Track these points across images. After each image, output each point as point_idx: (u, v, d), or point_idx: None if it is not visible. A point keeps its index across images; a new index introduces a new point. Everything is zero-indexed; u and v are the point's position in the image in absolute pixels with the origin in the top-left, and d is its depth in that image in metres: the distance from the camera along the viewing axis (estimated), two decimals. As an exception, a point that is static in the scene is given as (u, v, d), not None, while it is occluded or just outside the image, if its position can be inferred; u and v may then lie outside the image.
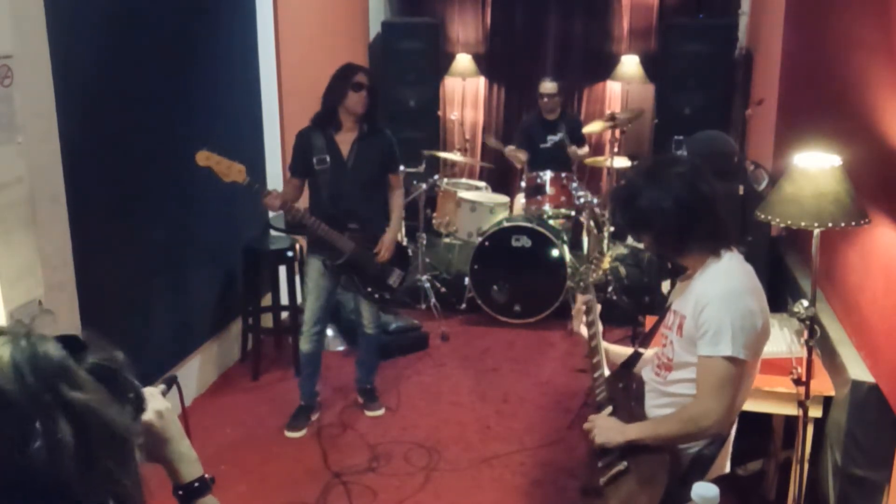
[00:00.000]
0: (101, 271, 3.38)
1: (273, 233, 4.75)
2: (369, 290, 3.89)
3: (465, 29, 7.11)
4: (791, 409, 2.78)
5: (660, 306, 3.18)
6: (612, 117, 5.41)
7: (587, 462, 2.46)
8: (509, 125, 6.42)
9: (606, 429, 2.29)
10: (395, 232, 3.92)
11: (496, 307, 5.19)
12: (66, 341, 0.94)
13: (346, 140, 3.76)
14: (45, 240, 2.94)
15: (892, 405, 2.57)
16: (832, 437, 2.91)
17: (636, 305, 4.88)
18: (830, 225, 2.43)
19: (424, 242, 5.43)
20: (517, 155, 5.82)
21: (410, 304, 5.27)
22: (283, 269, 4.67)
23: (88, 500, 0.86)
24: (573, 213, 5.50)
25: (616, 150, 5.73)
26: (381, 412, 4.11)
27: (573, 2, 6.82)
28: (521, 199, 5.63)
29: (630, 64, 6.63)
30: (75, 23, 3.16)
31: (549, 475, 3.59)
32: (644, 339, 2.63)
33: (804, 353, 2.58)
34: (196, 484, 1.25)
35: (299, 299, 4.54)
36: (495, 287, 5.16)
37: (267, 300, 4.82)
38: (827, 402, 2.88)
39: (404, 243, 5.02)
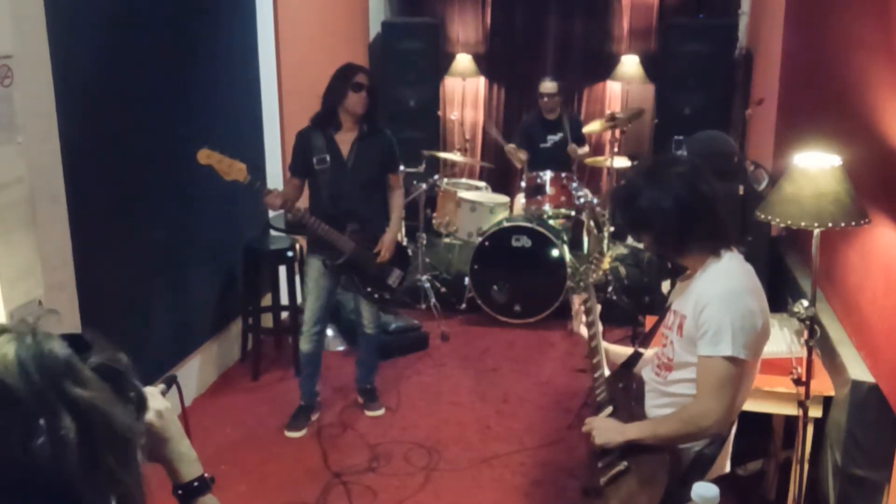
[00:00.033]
0: (101, 271, 3.38)
1: (273, 233, 4.75)
2: (369, 289, 3.90)
3: (465, 29, 7.11)
4: (791, 409, 2.78)
5: (660, 306, 3.18)
6: (612, 117, 5.41)
7: (587, 462, 2.46)
8: (509, 125, 6.42)
9: (606, 429, 2.29)
10: (395, 232, 3.92)
11: (496, 307, 5.19)
12: (72, 340, 0.94)
13: (345, 140, 3.76)
14: (45, 240, 2.94)
15: (892, 405, 2.57)
16: (832, 437, 2.91)
17: (636, 305, 4.88)
18: (830, 225, 2.43)
19: (424, 242, 5.43)
20: (517, 154, 5.82)
21: (410, 304, 5.27)
22: (283, 269, 4.67)
23: (91, 499, 0.86)
24: (573, 213, 5.50)
25: (616, 150, 5.73)
26: (381, 412, 4.11)
27: (573, 2, 6.82)
28: (521, 199, 5.63)
29: (630, 64, 6.63)
30: (75, 23, 3.16)
31: (549, 475, 3.59)
32: (644, 339, 2.63)
33: (804, 353, 2.58)
34: (196, 483, 1.25)
35: (299, 299, 4.54)
36: (495, 287, 5.16)
37: (267, 300, 4.83)
38: (827, 402, 2.88)
39: (404, 243, 5.03)
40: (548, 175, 5.42)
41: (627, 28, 6.79)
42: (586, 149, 5.96)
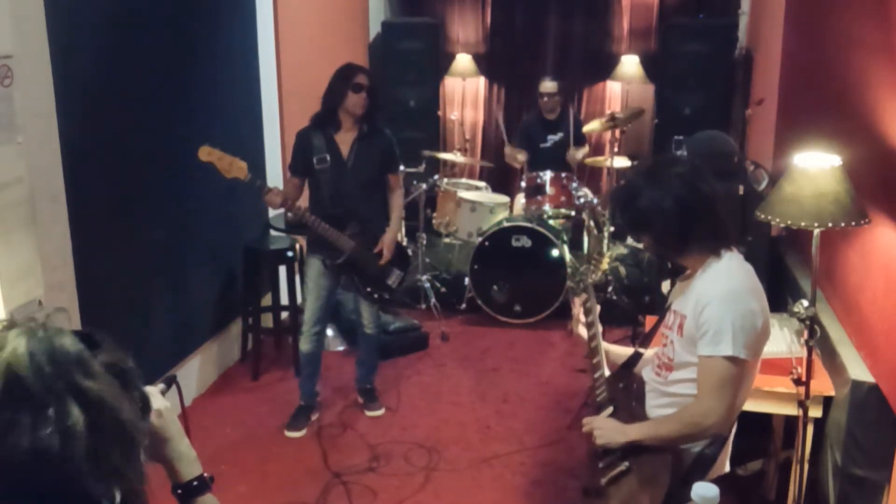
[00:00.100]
0: (101, 271, 3.38)
1: (273, 233, 4.75)
2: (369, 289, 3.90)
3: (465, 29, 7.11)
4: (791, 409, 2.78)
5: (660, 306, 3.18)
6: (612, 117, 5.41)
7: (588, 462, 2.46)
8: (509, 125, 6.42)
9: (607, 429, 2.29)
10: (395, 232, 3.92)
11: (496, 307, 5.19)
12: (82, 337, 0.95)
13: (345, 140, 3.76)
14: (45, 240, 2.94)
15: (892, 405, 2.57)
16: (832, 437, 2.91)
17: (636, 305, 4.88)
18: (830, 225, 2.43)
19: (424, 242, 5.43)
20: (515, 155, 5.82)
21: (410, 304, 5.27)
22: (283, 269, 4.67)
23: (97, 492, 0.87)
24: (573, 213, 5.49)
25: (616, 150, 5.73)
26: (381, 412, 4.11)
27: (573, 2, 6.82)
28: (521, 199, 5.63)
29: (630, 64, 6.63)
30: (75, 23, 3.16)
31: (549, 475, 3.59)
32: (644, 340, 2.63)
33: (804, 353, 2.58)
34: (195, 483, 1.25)
35: (299, 299, 4.54)
36: (495, 287, 5.16)
37: (267, 300, 4.82)
38: (827, 402, 2.88)
39: (404, 243, 5.03)
40: (548, 175, 5.41)
41: (627, 28, 6.79)
42: (586, 149, 5.96)
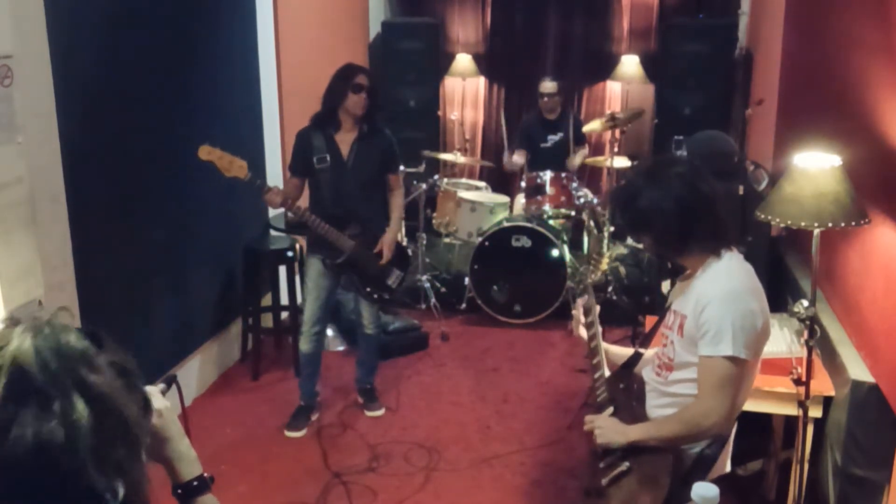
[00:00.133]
0: (101, 271, 3.38)
1: (273, 233, 4.76)
2: (368, 290, 3.90)
3: (465, 29, 7.11)
4: (791, 409, 2.78)
5: (660, 306, 3.18)
6: (612, 117, 5.41)
7: (589, 462, 2.46)
8: (509, 125, 6.42)
9: (608, 430, 2.29)
10: (395, 232, 3.92)
11: (496, 307, 5.19)
12: (87, 334, 0.96)
13: (345, 140, 3.76)
14: (45, 240, 2.94)
15: (892, 405, 2.57)
16: (832, 437, 2.91)
17: (636, 305, 4.88)
18: (830, 225, 2.43)
19: (424, 242, 5.43)
20: (514, 161, 5.80)
21: (410, 304, 5.27)
22: (283, 269, 4.67)
23: (101, 486, 0.87)
24: (573, 213, 5.49)
25: (616, 150, 5.73)
26: (381, 412, 4.11)
27: (573, 2, 6.82)
28: (521, 199, 5.63)
29: (630, 64, 6.63)
30: (75, 23, 3.16)
31: (549, 475, 3.59)
32: (644, 340, 2.63)
33: (804, 353, 2.58)
34: (195, 483, 1.25)
35: (299, 299, 4.54)
36: (495, 287, 5.16)
37: (267, 300, 4.82)
38: (827, 402, 2.88)
39: (404, 243, 5.03)
40: (548, 175, 5.41)
41: (627, 28, 6.79)
42: (585, 151, 5.96)
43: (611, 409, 2.37)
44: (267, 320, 4.79)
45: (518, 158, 5.82)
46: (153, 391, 1.24)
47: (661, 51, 6.51)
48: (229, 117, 4.47)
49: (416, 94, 6.58)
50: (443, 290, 5.38)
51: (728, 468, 2.41)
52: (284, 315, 4.84)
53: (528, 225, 5.12)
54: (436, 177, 5.64)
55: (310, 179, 3.79)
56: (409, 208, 5.00)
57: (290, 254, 4.52)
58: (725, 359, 2.14)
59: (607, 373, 2.49)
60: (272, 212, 4.62)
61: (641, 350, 2.55)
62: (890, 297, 2.62)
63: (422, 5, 7.05)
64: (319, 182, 3.74)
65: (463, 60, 6.96)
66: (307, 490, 3.46)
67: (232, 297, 4.60)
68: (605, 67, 6.82)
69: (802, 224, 2.48)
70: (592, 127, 5.72)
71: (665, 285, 4.29)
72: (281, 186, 3.80)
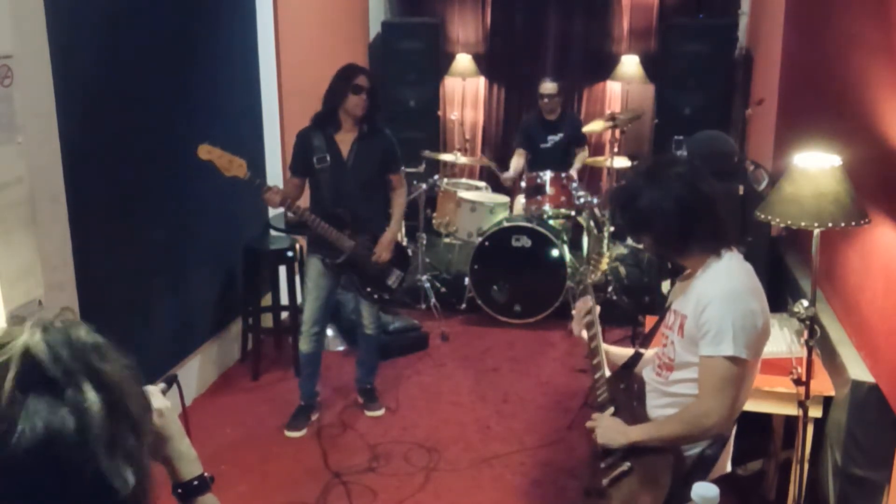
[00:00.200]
0: (101, 271, 3.38)
1: (273, 233, 4.76)
2: (369, 290, 3.90)
3: (465, 29, 7.11)
4: (791, 409, 2.78)
5: (660, 306, 3.18)
6: (612, 117, 5.41)
7: (589, 462, 2.46)
8: (510, 125, 6.42)
9: (609, 430, 2.29)
10: (395, 232, 3.92)
11: (496, 307, 5.19)
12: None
13: (345, 140, 3.76)
14: (45, 240, 2.94)
15: (892, 405, 2.57)
16: (832, 437, 2.91)
17: (636, 305, 4.88)
18: (830, 225, 2.43)
19: (424, 242, 5.43)
20: (511, 177, 5.77)
21: (410, 304, 5.27)
22: (283, 269, 4.67)
23: (111, 474, 0.87)
24: (573, 213, 5.49)
25: (616, 150, 5.73)
26: (381, 412, 4.11)
27: (573, 2, 6.82)
28: (521, 199, 5.63)
29: (630, 64, 6.63)
30: (75, 23, 3.16)
31: (549, 475, 3.59)
32: (644, 340, 2.63)
33: (804, 353, 2.58)
34: (195, 482, 1.25)
35: (299, 299, 4.54)
36: (495, 287, 5.16)
37: (267, 300, 4.82)
38: (827, 402, 2.88)
39: (404, 243, 5.03)
40: (548, 175, 5.41)
41: (627, 28, 6.79)
42: (585, 151, 5.96)
43: (611, 409, 2.37)
44: (267, 320, 4.79)
45: (516, 162, 5.80)
46: (154, 391, 1.24)
47: (661, 51, 6.51)
48: (229, 117, 4.47)
49: (416, 94, 6.58)
50: (443, 290, 5.38)
51: (728, 468, 2.41)
52: (284, 315, 4.84)
53: (528, 225, 5.12)
54: (436, 177, 5.64)
55: (310, 179, 3.79)
56: (410, 208, 4.99)
57: (290, 254, 4.52)
58: (726, 359, 2.14)
59: (608, 373, 2.49)
60: (272, 212, 4.62)
61: (642, 350, 2.55)
62: (890, 297, 2.62)
63: (422, 5, 7.05)
64: (319, 182, 3.74)
65: (463, 60, 6.96)
66: (307, 490, 3.46)
67: (232, 297, 4.60)
68: (605, 67, 6.82)
69: (802, 224, 2.48)
70: (592, 127, 5.72)
71: (665, 285, 4.29)
72: (281, 186, 3.80)
